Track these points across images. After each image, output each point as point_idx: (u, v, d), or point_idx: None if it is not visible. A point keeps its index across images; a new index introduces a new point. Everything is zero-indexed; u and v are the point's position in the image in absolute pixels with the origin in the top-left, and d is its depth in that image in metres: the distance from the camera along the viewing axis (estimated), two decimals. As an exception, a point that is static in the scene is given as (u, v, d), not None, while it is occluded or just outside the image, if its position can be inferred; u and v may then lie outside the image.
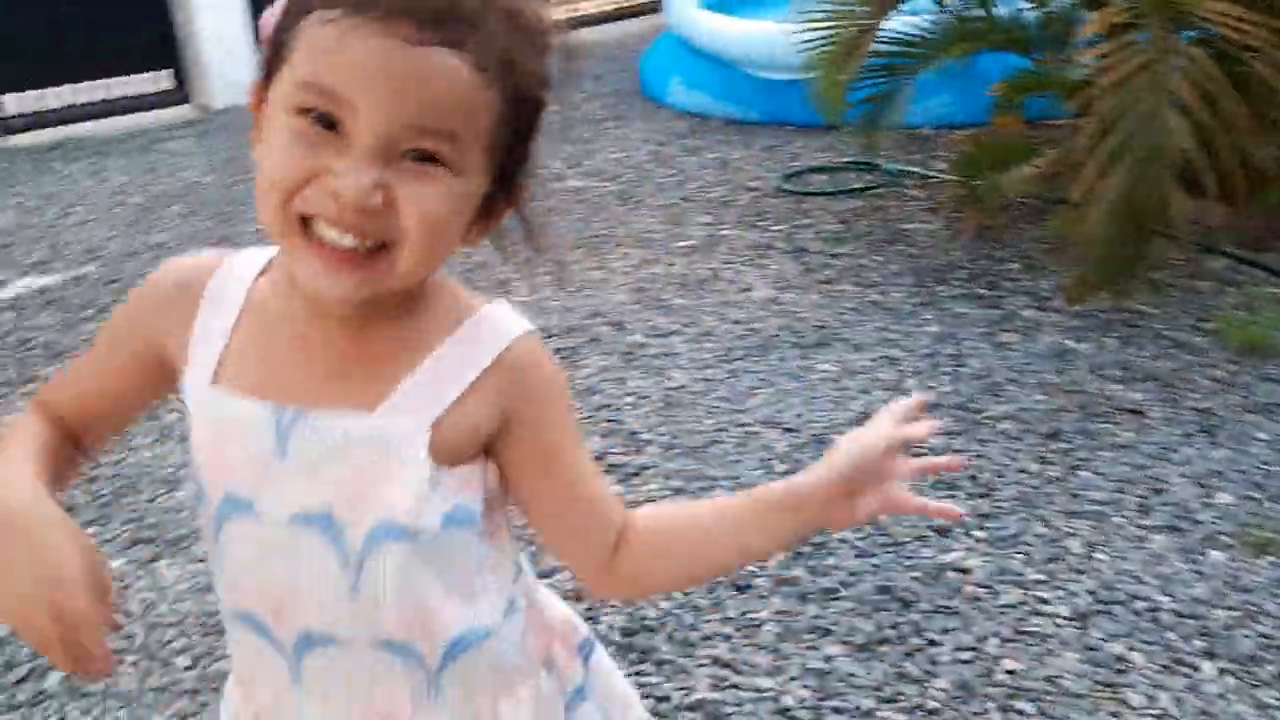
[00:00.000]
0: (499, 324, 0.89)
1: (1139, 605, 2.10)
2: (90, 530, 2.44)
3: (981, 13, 3.92)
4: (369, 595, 0.87)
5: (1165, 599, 2.12)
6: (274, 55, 0.80)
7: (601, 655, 1.10)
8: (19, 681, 2.01)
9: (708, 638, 2.05)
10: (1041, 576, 2.19)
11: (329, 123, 0.76)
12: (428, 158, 0.77)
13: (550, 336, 3.29)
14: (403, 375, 0.85)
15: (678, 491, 2.49)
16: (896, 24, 3.91)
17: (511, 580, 0.97)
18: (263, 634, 0.91)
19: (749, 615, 2.11)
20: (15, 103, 5.81)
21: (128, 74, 6.09)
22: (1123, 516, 2.37)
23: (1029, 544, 2.29)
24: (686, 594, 2.16)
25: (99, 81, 6.03)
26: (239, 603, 0.92)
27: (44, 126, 5.82)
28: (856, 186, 4.43)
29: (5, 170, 5.21)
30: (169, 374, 0.94)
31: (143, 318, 0.93)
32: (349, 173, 0.75)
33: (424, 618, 0.88)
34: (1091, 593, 2.14)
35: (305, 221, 0.78)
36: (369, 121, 0.75)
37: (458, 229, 0.82)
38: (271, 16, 0.82)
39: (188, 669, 2.01)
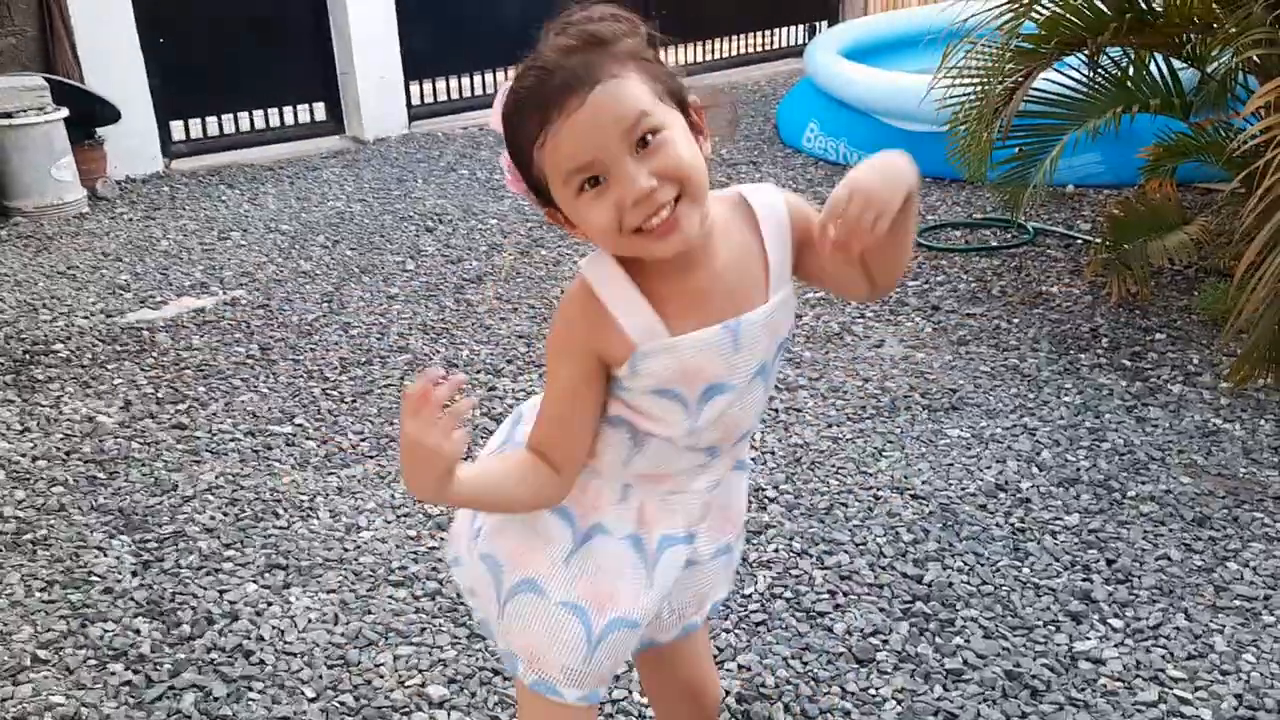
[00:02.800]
0: (768, 201, 1.27)
1: (1290, 714, 1.98)
2: (228, 553, 2.54)
3: (1135, 73, 3.81)
4: (765, 392, 1.32)
5: (1319, 709, 1.99)
6: (541, 184, 1.15)
7: None
8: (156, 700, 2.10)
9: (826, 712, 2.01)
10: (1183, 675, 2.08)
11: (595, 180, 1.11)
12: (645, 140, 1.10)
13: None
14: (756, 269, 1.23)
15: (800, 554, 2.46)
16: (1046, 83, 3.82)
17: None
18: (712, 455, 1.32)
19: (870, 691, 2.06)
20: (180, 129, 6.14)
21: (286, 104, 6.39)
22: (1274, 615, 2.23)
23: (1170, 638, 2.18)
24: (805, 665, 2.12)
25: (259, 111, 6.33)
26: (704, 442, 1.29)
27: (207, 153, 6.14)
28: (995, 244, 4.33)
29: (169, 194, 5.51)
30: (603, 372, 1.24)
31: (587, 351, 1.22)
32: (637, 178, 1.09)
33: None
34: (1238, 697, 2.02)
35: (637, 230, 1.11)
36: (611, 153, 1.09)
37: (697, 156, 1.13)
38: (513, 174, 1.20)
39: (312, 700, 2.07)
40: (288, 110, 6.41)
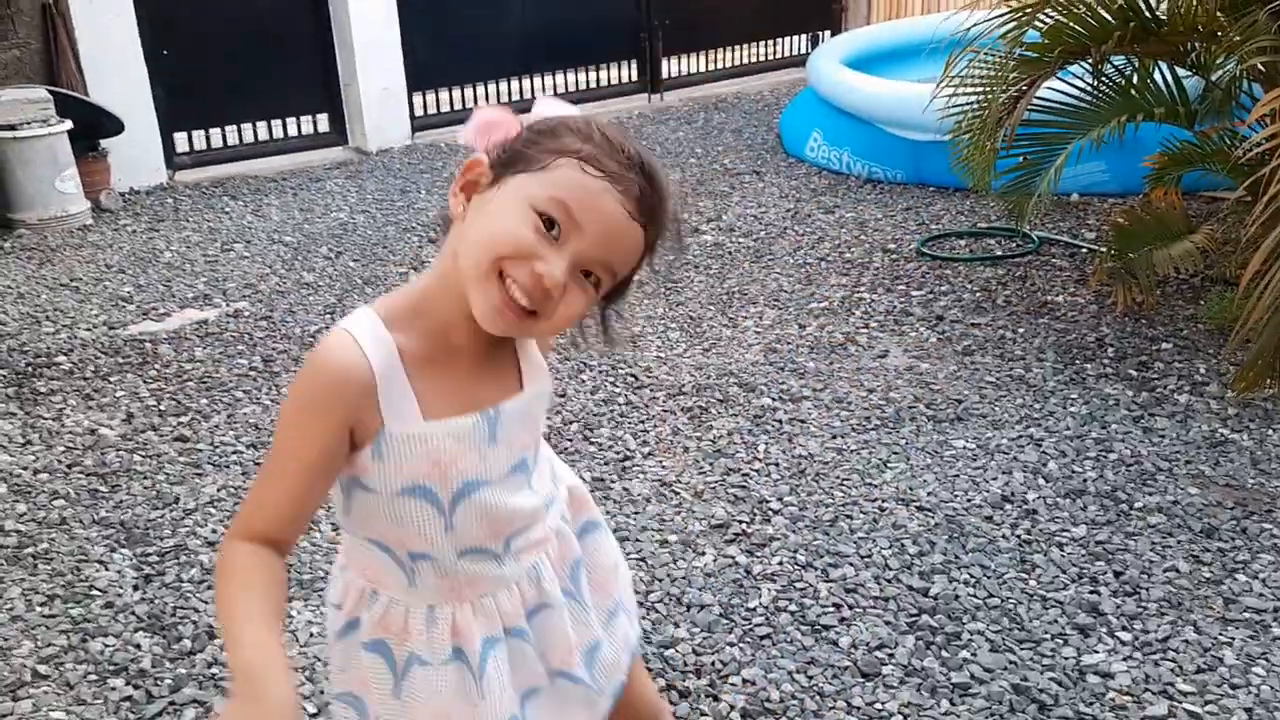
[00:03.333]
0: None
1: (1301, 729, 1.96)
2: (232, 567, 2.52)
3: (1139, 81, 3.80)
4: (537, 486, 1.28)
5: (1330, 723, 1.97)
6: (517, 155, 1.11)
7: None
8: (156, 716, 2.09)
9: (831, 726, 1.99)
10: (1192, 688, 2.06)
11: (551, 225, 1.08)
12: (590, 276, 1.12)
13: (681, 393, 3.29)
14: (518, 359, 1.24)
15: (804, 567, 2.44)
16: (1051, 92, 3.81)
17: None
18: (486, 556, 1.23)
19: (876, 706, 2.04)
20: (184, 141, 6.14)
21: (290, 116, 6.39)
22: (1284, 627, 2.21)
23: (1179, 651, 2.16)
24: (810, 679, 2.11)
25: (262, 122, 6.34)
26: (466, 545, 1.21)
27: (210, 164, 6.15)
28: (999, 254, 4.32)
29: (173, 206, 5.51)
30: (348, 450, 1.15)
31: (335, 416, 1.11)
32: (555, 268, 1.07)
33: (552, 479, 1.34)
34: (1248, 710, 2.00)
35: (500, 274, 1.08)
36: (583, 246, 1.09)
37: (572, 325, 1.17)
38: (515, 125, 1.14)
39: (314, 716, 2.05)
40: (291, 122, 6.42)
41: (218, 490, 2.86)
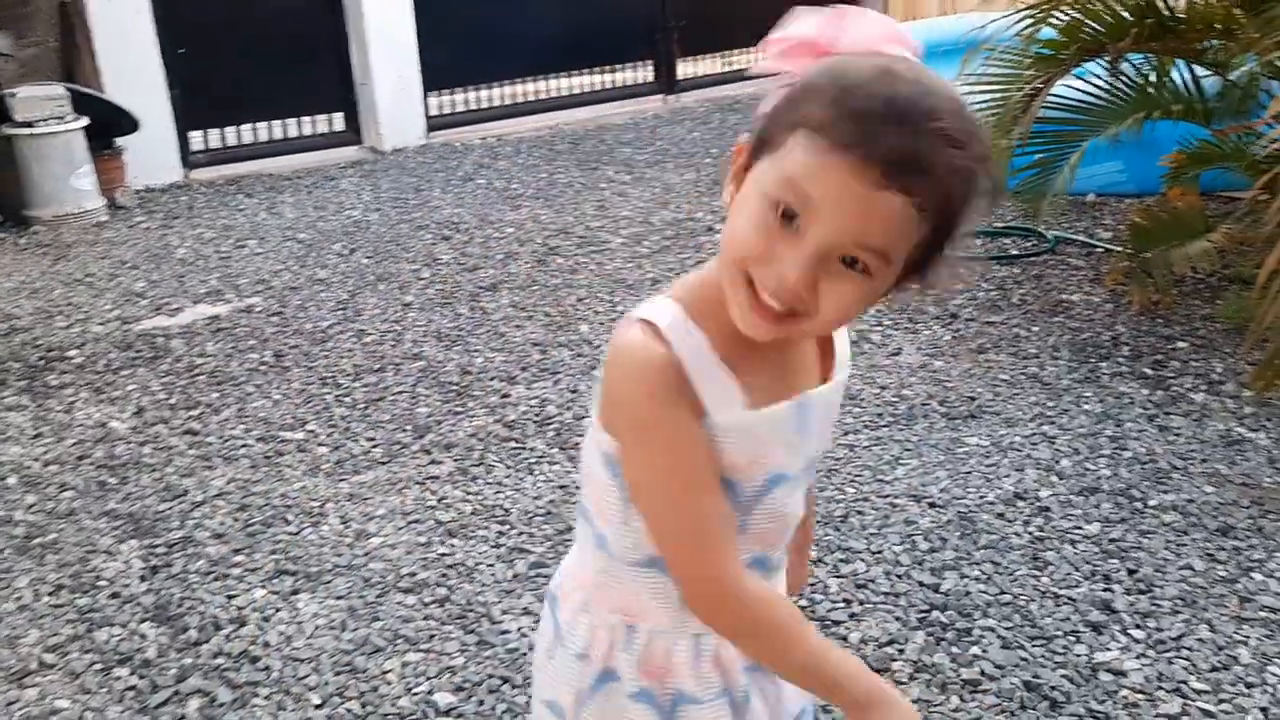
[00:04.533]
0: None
1: (1318, 729, 1.92)
2: (236, 559, 2.52)
3: (1156, 79, 3.77)
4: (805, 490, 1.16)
5: (1348, 724, 1.94)
6: (763, 137, 0.96)
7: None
8: (161, 706, 2.08)
9: (839, 721, 1.97)
10: (1206, 687, 2.03)
11: (791, 215, 0.92)
12: (853, 263, 0.93)
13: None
14: (832, 345, 1.12)
15: (816, 563, 2.42)
16: (1066, 90, 3.78)
17: None
18: (764, 566, 1.12)
19: (884, 701, 2.01)
20: (200, 140, 6.17)
21: (305, 115, 6.41)
22: (1301, 627, 2.18)
23: (1192, 649, 2.13)
24: (819, 673, 2.08)
25: (278, 121, 6.36)
26: (752, 551, 1.10)
27: (226, 163, 6.17)
28: (1015, 253, 4.29)
29: (188, 204, 5.53)
30: None
31: (686, 402, 1.01)
32: (795, 268, 0.92)
33: None
34: (1263, 710, 1.97)
35: (749, 278, 0.96)
36: (823, 231, 0.91)
37: (859, 314, 0.99)
38: (770, 101, 0.97)
39: (318, 707, 2.04)
40: (306, 121, 6.44)
41: (226, 483, 2.86)
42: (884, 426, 3.01)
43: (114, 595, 2.41)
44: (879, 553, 2.45)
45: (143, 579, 2.47)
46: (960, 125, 0.91)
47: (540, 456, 2.92)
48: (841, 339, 1.12)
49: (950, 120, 0.90)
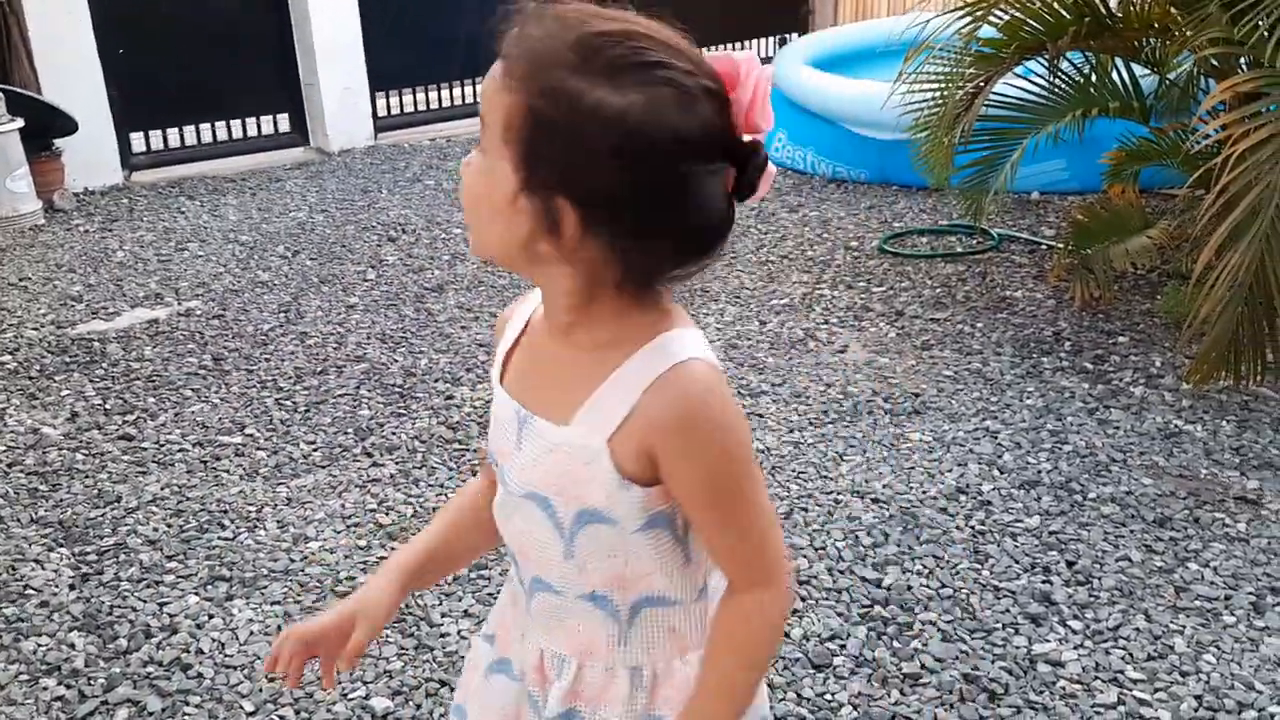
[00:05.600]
0: (671, 346, 0.96)
1: (1249, 715, 1.95)
2: (169, 566, 2.47)
3: (1096, 77, 3.81)
4: (577, 561, 1.04)
5: (1278, 709, 1.96)
6: None
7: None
8: (88, 716, 2.03)
9: (782, 718, 1.96)
10: (1142, 676, 2.05)
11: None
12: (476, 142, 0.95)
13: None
14: (592, 391, 0.97)
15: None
16: (1007, 88, 3.82)
17: (705, 572, 1.08)
18: (515, 566, 1.12)
19: (826, 697, 2.01)
20: (141, 141, 6.06)
21: (249, 116, 6.32)
22: (1234, 615, 2.21)
23: (1129, 639, 2.15)
24: (760, 670, 2.07)
25: (221, 122, 6.26)
26: (505, 539, 1.12)
27: (167, 165, 6.06)
28: (959, 251, 4.32)
29: (128, 206, 5.43)
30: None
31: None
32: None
33: (621, 583, 1.05)
34: (1198, 698, 1.99)
35: None
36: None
37: (487, 205, 0.94)
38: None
39: (251, 715, 2.00)
40: (250, 122, 6.34)
41: (161, 488, 2.80)
42: (829, 423, 3.02)
43: (42, 604, 2.35)
44: (822, 549, 2.45)
45: (72, 587, 2.41)
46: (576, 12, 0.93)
47: (483, 458, 2.89)
48: (612, 394, 0.96)
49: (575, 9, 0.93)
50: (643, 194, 0.90)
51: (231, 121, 6.27)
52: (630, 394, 0.95)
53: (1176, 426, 2.92)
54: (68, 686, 2.09)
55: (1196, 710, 1.96)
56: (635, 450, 0.96)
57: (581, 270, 0.94)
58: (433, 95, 6.89)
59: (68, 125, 5.42)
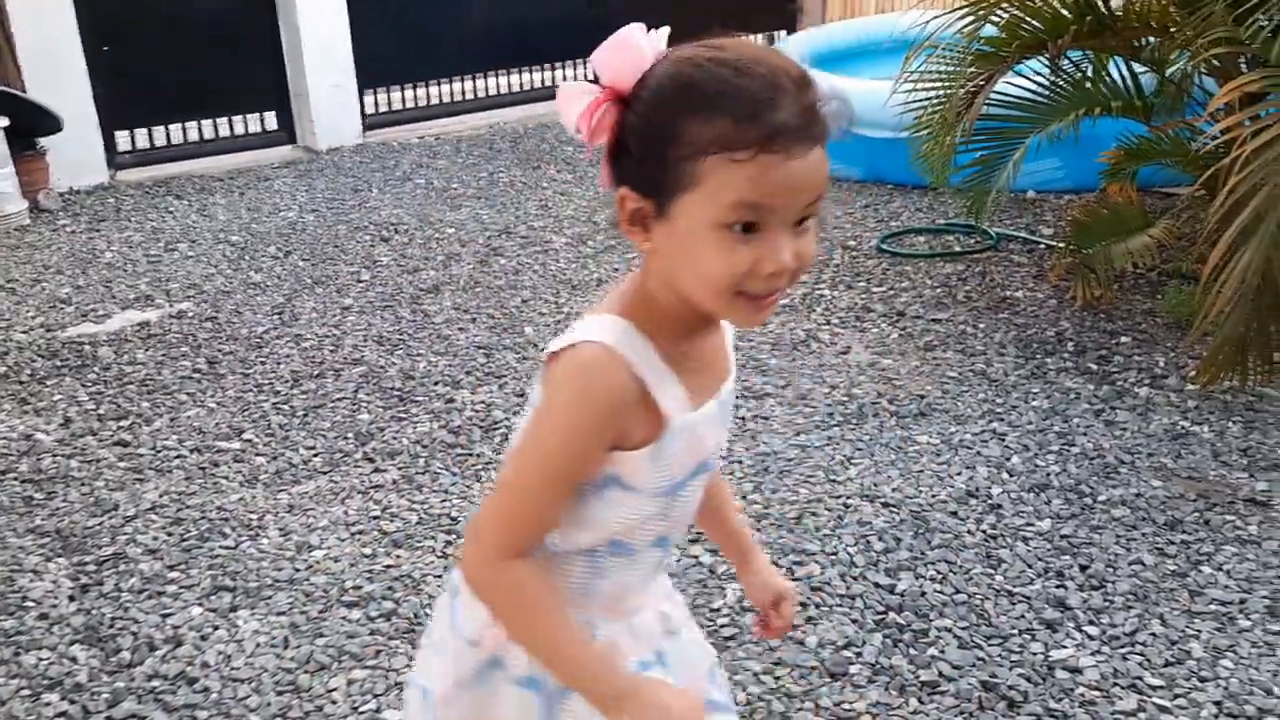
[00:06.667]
0: None
1: (1271, 721, 1.94)
2: (171, 576, 2.42)
3: (1095, 76, 3.80)
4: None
5: (1299, 715, 1.95)
6: (656, 171, 0.98)
7: None
8: (94, 729, 1.99)
9: (799, 728, 1.94)
10: (1161, 682, 2.03)
11: (749, 226, 0.97)
12: (806, 217, 1.00)
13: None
14: (725, 342, 1.16)
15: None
16: (1008, 87, 3.80)
17: None
18: (664, 546, 1.18)
19: (844, 706, 1.99)
20: (127, 140, 5.98)
21: (236, 114, 6.25)
22: (1249, 619, 2.20)
23: (1146, 644, 2.14)
24: (777, 680, 2.05)
25: (208, 121, 6.19)
26: (661, 534, 1.16)
27: (154, 164, 5.99)
28: (958, 250, 4.31)
29: (114, 206, 5.36)
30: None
31: (608, 435, 1.06)
32: (786, 256, 0.98)
33: None
34: (1217, 704, 1.98)
35: (741, 292, 1.00)
36: (785, 216, 0.98)
37: None
38: (603, 137, 1.02)
39: (261, 728, 1.97)
40: (238, 120, 6.27)
41: (159, 496, 2.75)
42: (835, 426, 3.00)
43: (42, 616, 2.30)
44: (834, 554, 2.43)
45: (72, 599, 2.36)
46: (796, 65, 0.99)
47: (487, 463, 2.85)
48: (728, 332, 1.17)
49: (789, 64, 0.99)
50: None
51: (218, 120, 6.19)
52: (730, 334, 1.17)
53: (1183, 427, 2.91)
54: (71, 702, 2.05)
55: (1217, 716, 1.95)
56: None
57: None
58: (422, 92, 6.83)
59: (53, 124, 5.34)
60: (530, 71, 7.32)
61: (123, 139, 5.95)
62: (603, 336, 1.03)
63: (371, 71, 6.50)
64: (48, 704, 2.05)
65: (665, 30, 1.03)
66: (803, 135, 0.95)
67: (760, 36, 8.25)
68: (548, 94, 7.29)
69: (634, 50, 1.01)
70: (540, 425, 1.06)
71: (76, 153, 5.57)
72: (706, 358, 1.12)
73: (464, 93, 6.97)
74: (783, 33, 8.22)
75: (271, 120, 6.38)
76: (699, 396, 1.10)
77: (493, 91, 7.12)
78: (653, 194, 0.99)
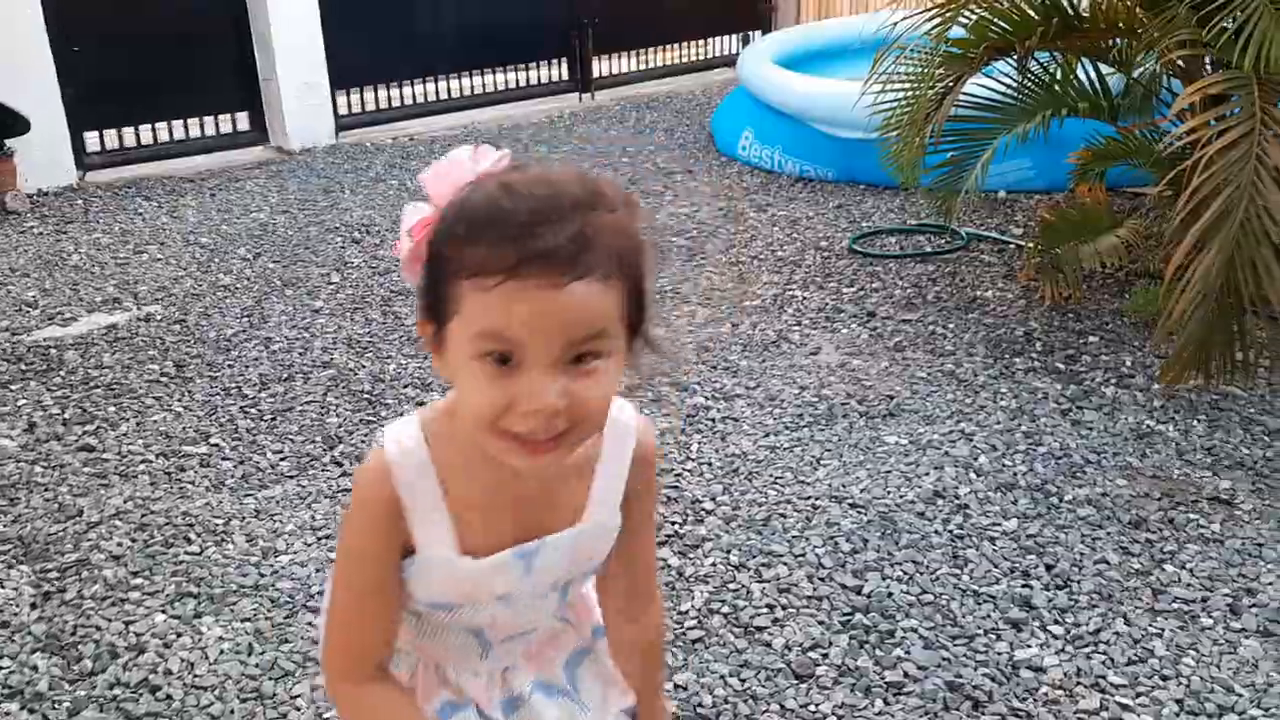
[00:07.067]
0: (626, 422, 1.14)
1: (1230, 719, 1.95)
2: (135, 582, 2.40)
3: (1063, 77, 3.82)
4: (568, 601, 1.23)
5: (1258, 712, 1.97)
6: (433, 304, 0.97)
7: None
8: (55, 739, 1.97)
9: (765, 730, 1.94)
10: (1123, 681, 2.05)
11: (505, 359, 0.93)
12: (587, 356, 0.94)
13: (610, 396, 3.22)
14: (588, 486, 1.12)
15: (738, 567, 2.39)
16: (977, 88, 3.82)
17: None
18: (478, 637, 1.17)
19: (810, 708, 1.99)
20: (95, 141, 5.92)
21: (207, 114, 6.20)
22: (1211, 618, 2.21)
23: (1109, 643, 2.15)
24: (743, 682, 2.05)
25: (178, 121, 6.14)
26: (468, 624, 1.15)
27: (123, 164, 5.94)
28: (928, 250, 4.33)
29: (83, 207, 5.31)
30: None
31: (386, 542, 1.07)
32: (541, 397, 0.92)
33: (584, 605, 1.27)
34: (1179, 702, 1.99)
35: (503, 430, 0.96)
36: (540, 352, 0.92)
37: (613, 392, 0.99)
38: (415, 262, 0.99)
39: (224, 736, 1.95)
40: (209, 120, 6.22)
41: (124, 501, 2.72)
42: (804, 427, 3.00)
43: (2, 625, 2.28)
44: (801, 555, 2.43)
45: (34, 606, 2.33)
46: (589, 188, 0.93)
47: (456, 465, 2.84)
48: (617, 474, 1.13)
49: (579, 187, 0.93)
50: None
51: (189, 120, 6.15)
52: (623, 468, 1.13)
53: (1149, 427, 2.93)
54: (31, 711, 2.03)
55: (1178, 714, 1.97)
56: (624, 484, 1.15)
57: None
58: (396, 93, 6.81)
59: (21, 124, 5.29)
60: (504, 72, 7.30)
61: (92, 140, 5.90)
62: (390, 443, 1.05)
63: (344, 72, 6.47)
64: (8, 713, 2.03)
65: (504, 153, 0.98)
66: (563, 264, 0.89)
67: (735, 36, 8.27)
68: (522, 95, 7.28)
69: (457, 170, 0.97)
70: (339, 539, 1.11)
71: (44, 154, 5.51)
72: (533, 497, 1.07)
73: (438, 93, 6.95)
74: (757, 33, 8.24)
75: (243, 121, 6.34)
76: (489, 538, 1.06)
77: (467, 92, 7.10)
78: (432, 319, 0.97)
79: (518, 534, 1.09)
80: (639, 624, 1.24)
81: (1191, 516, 2.54)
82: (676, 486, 2.72)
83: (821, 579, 2.35)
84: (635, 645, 1.25)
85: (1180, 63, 3.35)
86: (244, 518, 2.65)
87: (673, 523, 2.56)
